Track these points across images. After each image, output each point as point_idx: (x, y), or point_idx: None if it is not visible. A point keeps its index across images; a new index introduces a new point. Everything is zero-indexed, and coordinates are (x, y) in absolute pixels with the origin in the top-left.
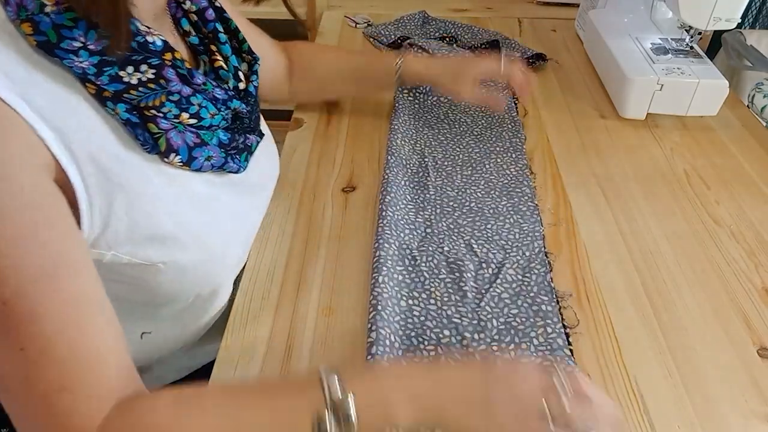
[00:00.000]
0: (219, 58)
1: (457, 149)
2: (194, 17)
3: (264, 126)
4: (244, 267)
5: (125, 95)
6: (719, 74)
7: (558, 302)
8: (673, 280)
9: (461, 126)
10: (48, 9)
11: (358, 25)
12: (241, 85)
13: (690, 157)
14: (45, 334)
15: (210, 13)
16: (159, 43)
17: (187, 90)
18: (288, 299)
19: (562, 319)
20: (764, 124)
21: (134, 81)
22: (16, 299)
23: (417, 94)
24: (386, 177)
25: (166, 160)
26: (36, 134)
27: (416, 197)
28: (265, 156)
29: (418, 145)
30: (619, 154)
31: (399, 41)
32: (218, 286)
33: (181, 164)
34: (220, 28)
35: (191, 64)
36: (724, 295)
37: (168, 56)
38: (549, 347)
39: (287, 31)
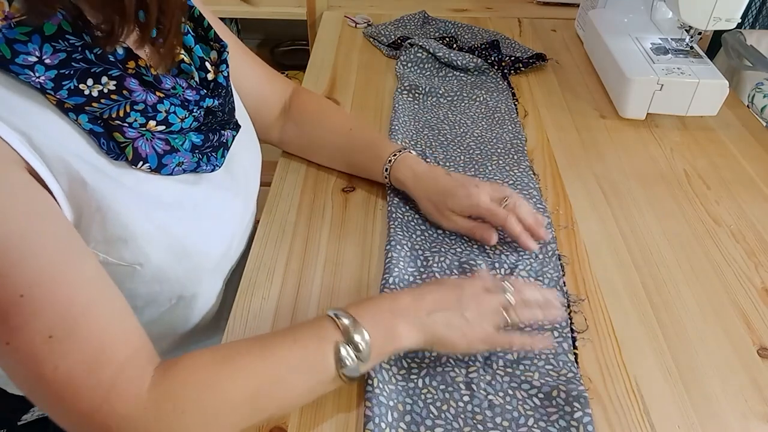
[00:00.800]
0: (179, 51)
1: (459, 150)
2: None
3: (243, 115)
4: (244, 267)
5: (87, 107)
6: (719, 74)
7: (569, 306)
8: (673, 280)
9: (462, 127)
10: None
11: (358, 25)
12: (210, 76)
13: (690, 157)
14: (70, 315)
15: None
16: (120, 51)
17: (152, 98)
18: (288, 299)
19: (571, 323)
20: (764, 124)
21: (95, 93)
22: (34, 288)
23: (417, 95)
24: None
25: (134, 167)
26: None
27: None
28: (244, 146)
29: (419, 146)
30: (619, 154)
31: (399, 41)
32: (200, 286)
33: (150, 171)
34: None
35: (155, 62)
36: (724, 295)
37: (131, 65)
38: (553, 351)
39: (287, 31)
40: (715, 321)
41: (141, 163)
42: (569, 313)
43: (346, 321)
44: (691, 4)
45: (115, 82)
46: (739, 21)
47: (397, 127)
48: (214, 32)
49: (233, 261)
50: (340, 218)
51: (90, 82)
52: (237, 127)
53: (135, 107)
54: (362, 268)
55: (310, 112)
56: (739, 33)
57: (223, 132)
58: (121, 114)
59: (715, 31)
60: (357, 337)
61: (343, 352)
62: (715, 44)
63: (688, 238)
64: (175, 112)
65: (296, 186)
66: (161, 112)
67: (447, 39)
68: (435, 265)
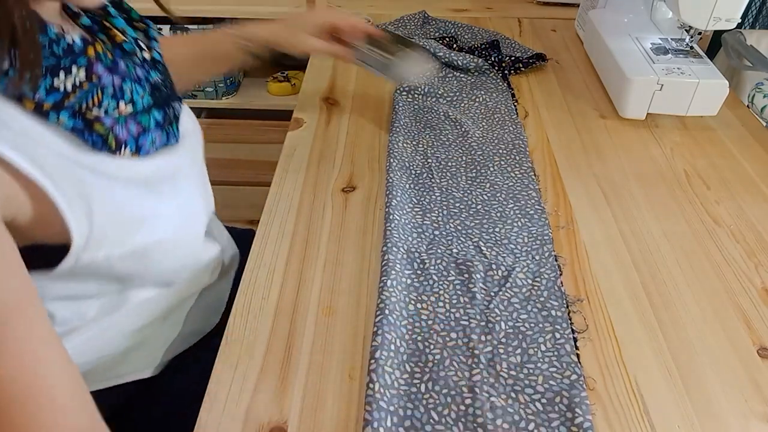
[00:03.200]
0: (117, 32)
1: (460, 151)
2: None
3: None
4: (244, 266)
5: (66, 102)
6: (719, 74)
7: (567, 307)
8: (673, 280)
9: (462, 127)
10: None
11: None
12: (146, 55)
13: (690, 157)
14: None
15: None
16: (78, 41)
17: (117, 79)
18: (288, 299)
19: (571, 323)
20: (764, 124)
21: (69, 86)
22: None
23: (416, 95)
24: (390, 180)
25: (117, 154)
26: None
27: (422, 199)
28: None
29: (420, 146)
30: (619, 154)
31: None
32: (195, 243)
33: (131, 154)
34: (106, 1)
35: (101, 47)
36: (724, 295)
37: (91, 51)
38: (556, 353)
39: None
40: (715, 321)
41: (123, 148)
42: (569, 314)
43: None
44: (691, 4)
45: (84, 70)
46: (739, 21)
47: (398, 128)
48: (136, 12)
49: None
50: (339, 218)
51: (62, 75)
52: (180, 99)
53: (105, 92)
54: (362, 268)
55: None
56: (739, 33)
57: (173, 104)
58: (96, 101)
59: (715, 31)
60: None
61: None
62: (715, 44)
63: (688, 238)
64: (135, 90)
65: (296, 186)
66: (126, 91)
67: (447, 39)
68: (432, 267)
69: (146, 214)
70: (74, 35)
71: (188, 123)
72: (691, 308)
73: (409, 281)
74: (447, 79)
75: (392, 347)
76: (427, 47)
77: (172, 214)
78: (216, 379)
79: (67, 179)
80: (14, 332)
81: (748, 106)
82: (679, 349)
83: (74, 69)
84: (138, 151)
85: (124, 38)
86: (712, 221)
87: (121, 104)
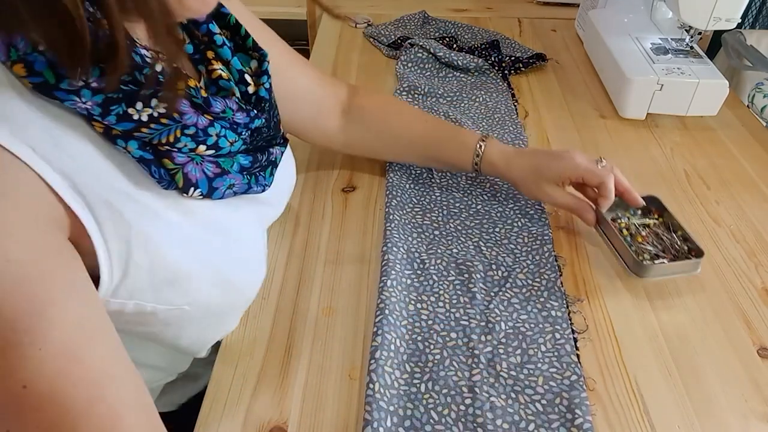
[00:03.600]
0: (216, 66)
1: None
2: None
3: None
4: None
5: (136, 133)
6: (719, 74)
7: (567, 307)
8: (673, 280)
9: (463, 127)
10: (42, 47)
11: (358, 25)
12: (250, 89)
13: (690, 157)
14: (70, 413)
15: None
16: (168, 71)
17: (203, 121)
18: (288, 299)
19: (571, 324)
20: (764, 124)
21: (144, 118)
22: (37, 380)
23: (416, 96)
24: (390, 180)
25: (185, 195)
26: (43, 181)
27: (422, 199)
28: (283, 164)
29: None
30: (619, 154)
31: (399, 41)
32: (231, 318)
33: (201, 197)
34: (216, 29)
35: (196, 82)
36: (724, 295)
37: (180, 86)
38: (556, 353)
39: (287, 31)
40: (715, 321)
41: (192, 189)
42: (569, 314)
43: None
44: (691, 4)
45: (165, 105)
46: (739, 21)
47: None
48: (253, 40)
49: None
50: (340, 218)
51: (139, 105)
52: (285, 141)
53: (186, 131)
54: (362, 268)
55: (375, 109)
56: (739, 33)
57: (271, 150)
58: (171, 139)
59: (715, 31)
60: None
61: None
62: (715, 44)
63: None
64: (225, 136)
65: (296, 186)
66: (212, 135)
67: (447, 39)
68: (432, 267)
69: (189, 270)
70: (165, 65)
71: (282, 177)
72: (691, 308)
73: (409, 281)
74: (447, 79)
75: (392, 347)
76: (428, 47)
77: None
78: (216, 379)
79: (113, 219)
80: (81, 358)
81: (748, 106)
82: (679, 349)
83: (154, 101)
84: (210, 194)
85: (222, 74)
86: (712, 221)
87: (201, 147)
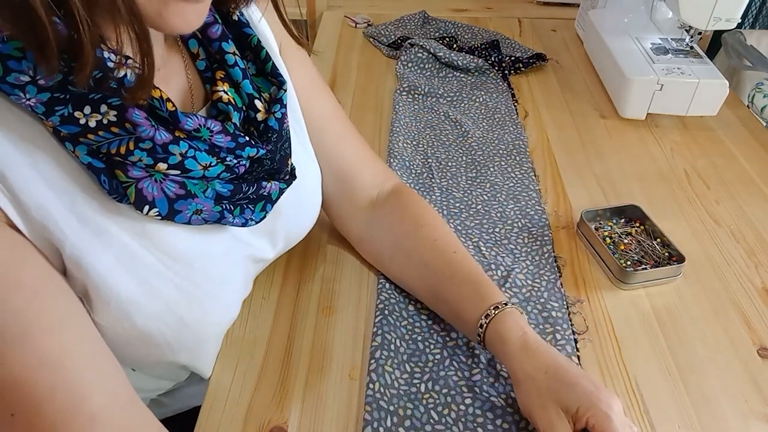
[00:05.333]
0: (220, 87)
1: (460, 151)
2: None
3: (309, 161)
4: None
5: (82, 138)
6: (719, 74)
7: (567, 308)
8: (673, 280)
9: (463, 127)
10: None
11: (358, 25)
12: (259, 116)
13: (690, 157)
14: (33, 397)
15: (215, 30)
16: (131, 77)
17: (163, 136)
18: (288, 299)
19: (572, 324)
20: (764, 124)
21: (92, 123)
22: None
23: (416, 95)
24: None
25: (140, 212)
26: None
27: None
28: (294, 203)
29: (420, 146)
30: (619, 154)
31: (399, 41)
32: (200, 353)
33: (160, 218)
34: (230, 48)
35: (196, 98)
36: (724, 295)
37: (141, 95)
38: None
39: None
40: (715, 321)
41: (147, 208)
42: (569, 315)
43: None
44: (691, 4)
45: (115, 113)
46: (739, 21)
47: (398, 128)
48: (273, 65)
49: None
50: None
51: (87, 109)
52: (290, 177)
53: (140, 145)
54: (362, 268)
55: (411, 215)
56: (739, 33)
57: (264, 183)
58: (123, 151)
59: (715, 31)
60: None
61: None
62: (715, 44)
63: (688, 238)
64: (195, 157)
65: None
66: (174, 154)
67: (447, 39)
68: None
69: (129, 299)
70: (129, 71)
71: (293, 218)
72: (691, 308)
73: None
74: (447, 79)
75: (392, 347)
76: (428, 47)
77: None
78: (216, 379)
79: (45, 227)
80: (36, 346)
81: (748, 106)
82: (679, 349)
83: (103, 107)
84: (172, 216)
85: (223, 96)
86: (712, 221)
87: (160, 165)
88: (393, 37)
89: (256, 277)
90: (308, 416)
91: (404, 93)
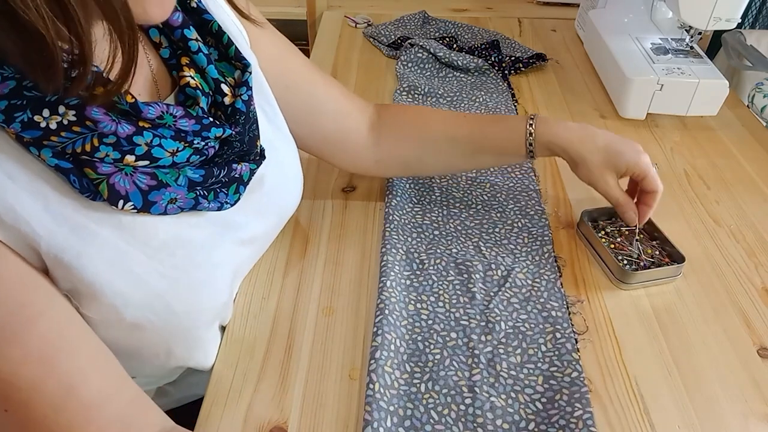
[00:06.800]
0: (186, 73)
1: None
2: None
3: (282, 137)
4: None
5: (45, 141)
6: (719, 74)
7: (568, 308)
8: (673, 280)
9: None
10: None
11: (358, 25)
12: (227, 100)
13: (690, 157)
14: (22, 392)
15: (175, 18)
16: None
17: (126, 129)
18: (288, 299)
19: (572, 325)
20: (764, 124)
21: (53, 126)
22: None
23: (416, 95)
24: (390, 180)
25: (115, 208)
26: None
27: (422, 199)
28: (279, 178)
29: None
30: None
31: (399, 41)
32: (191, 342)
33: (135, 210)
34: (192, 35)
35: (162, 86)
36: (724, 295)
37: (100, 90)
38: (557, 352)
39: (287, 31)
40: (715, 321)
41: (122, 202)
42: (569, 315)
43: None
44: (691, 4)
45: (74, 112)
46: (739, 21)
47: None
48: (236, 49)
49: (230, 307)
50: (340, 218)
51: (46, 112)
52: (260, 158)
53: (104, 140)
54: (362, 268)
55: (411, 116)
56: (739, 33)
57: (235, 165)
58: (88, 149)
59: (715, 31)
60: None
61: None
62: (715, 44)
63: (688, 238)
64: (160, 145)
65: None
66: (140, 145)
67: (447, 39)
68: (431, 267)
69: (114, 292)
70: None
71: (274, 194)
72: (691, 308)
73: (408, 281)
74: (447, 79)
75: (392, 347)
76: (428, 47)
77: (175, 294)
78: (216, 379)
79: (18, 231)
80: (20, 341)
81: (748, 106)
82: (679, 349)
83: (61, 108)
84: (147, 208)
85: (191, 81)
86: (712, 221)
87: (128, 157)
88: (393, 37)
89: (259, 267)
90: (308, 416)
91: (404, 93)
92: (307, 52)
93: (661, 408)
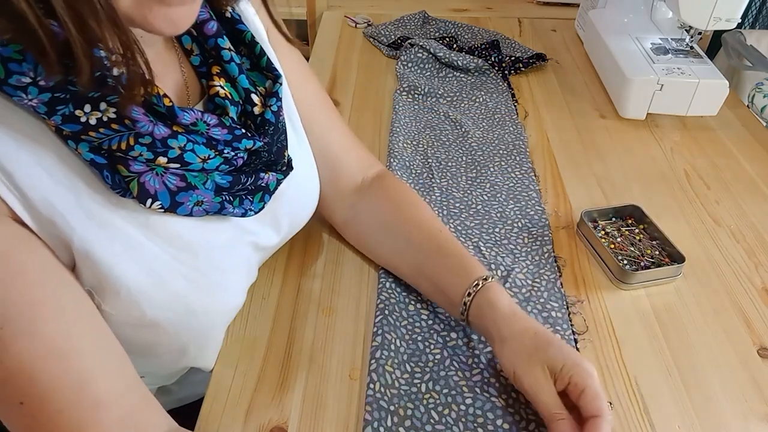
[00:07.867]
0: (216, 82)
1: (460, 151)
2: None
3: (304, 152)
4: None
5: (83, 136)
6: (719, 74)
7: (567, 308)
8: (673, 280)
9: (463, 127)
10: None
11: (358, 25)
12: (256, 110)
13: (690, 157)
14: (40, 385)
15: (210, 27)
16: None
17: (162, 131)
18: (288, 299)
19: (572, 325)
20: (764, 124)
21: (93, 121)
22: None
23: (416, 96)
24: None
25: (143, 206)
26: None
27: (422, 199)
28: (297, 192)
29: (420, 146)
30: (619, 154)
31: (399, 41)
32: (207, 339)
33: (163, 210)
34: (225, 44)
35: (192, 93)
36: (724, 295)
37: (138, 92)
38: None
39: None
40: (715, 321)
41: (150, 201)
42: (569, 315)
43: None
44: (691, 4)
45: (115, 110)
46: (739, 21)
47: (398, 128)
48: (267, 60)
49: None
50: None
51: (87, 108)
52: (287, 168)
53: (140, 140)
54: (362, 268)
55: (394, 197)
56: (739, 33)
57: (262, 174)
58: (124, 147)
59: (715, 31)
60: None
61: None
62: (715, 44)
63: (688, 238)
64: (193, 150)
65: None
66: (173, 148)
67: (447, 39)
68: None
69: (138, 289)
70: (124, 68)
71: (295, 205)
72: (691, 308)
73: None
74: (447, 79)
75: (392, 347)
76: (428, 47)
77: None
78: (216, 379)
79: (52, 222)
80: (37, 333)
81: (748, 106)
82: (679, 349)
83: (102, 105)
84: (174, 208)
85: (220, 91)
86: (712, 221)
87: (161, 158)
88: (393, 37)
89: (259, 269)
90: (308, 416)
91: (404, 93)
92: (307, 52)
93: (661, 408)
